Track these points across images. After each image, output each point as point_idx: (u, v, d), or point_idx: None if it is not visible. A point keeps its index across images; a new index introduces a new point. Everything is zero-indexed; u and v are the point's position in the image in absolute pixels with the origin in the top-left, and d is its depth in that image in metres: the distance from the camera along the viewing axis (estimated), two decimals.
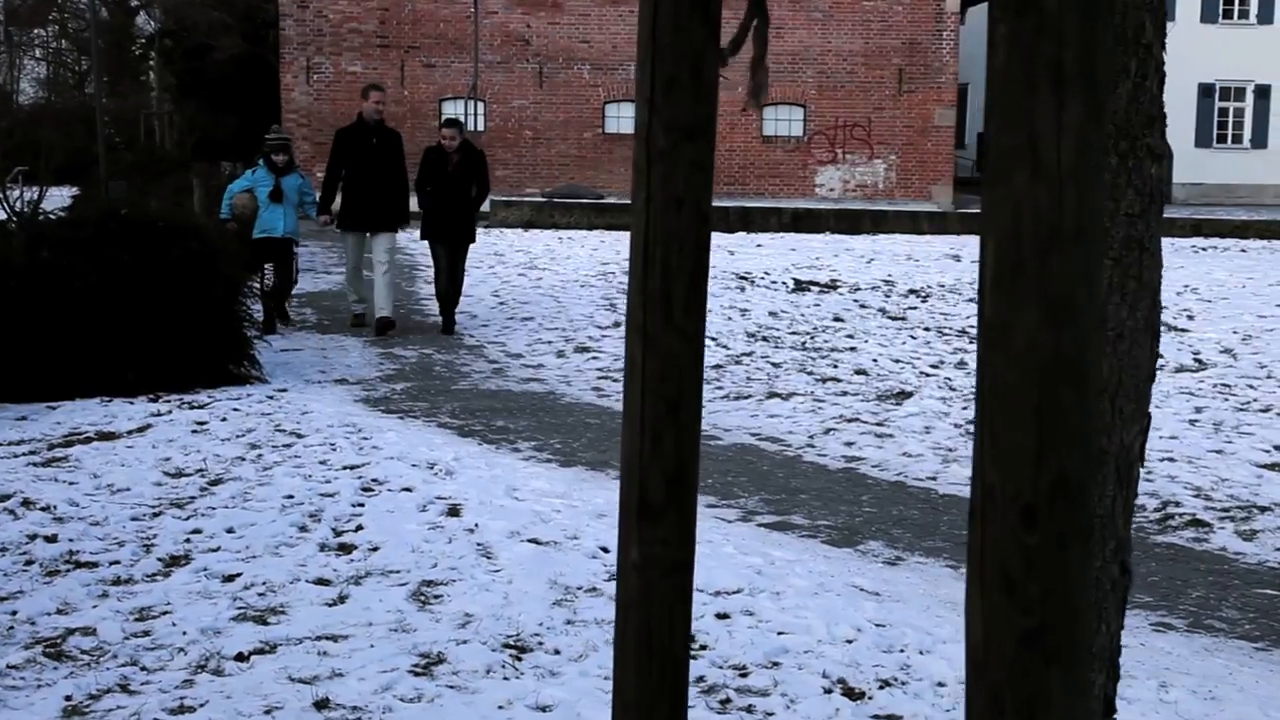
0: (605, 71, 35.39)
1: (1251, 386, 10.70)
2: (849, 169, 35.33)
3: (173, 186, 22.81)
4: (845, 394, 10.37)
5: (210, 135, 35.72)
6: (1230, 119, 45.40)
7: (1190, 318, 14.58)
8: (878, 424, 9.30)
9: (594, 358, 11.84)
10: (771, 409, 9.85)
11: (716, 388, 10.60)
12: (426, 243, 13.69)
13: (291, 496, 7.16)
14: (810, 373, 11.25)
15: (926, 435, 8.96)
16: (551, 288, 16.81)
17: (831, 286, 17.21)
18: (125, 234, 10.09)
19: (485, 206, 13.97)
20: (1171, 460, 8.34)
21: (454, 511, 6.89)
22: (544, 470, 7.98)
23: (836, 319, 14.41)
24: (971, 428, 9.15)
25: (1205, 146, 45.14)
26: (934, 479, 7.93)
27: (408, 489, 7.33)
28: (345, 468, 7.80)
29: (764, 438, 9.00)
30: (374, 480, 7.51)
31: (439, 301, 13.67)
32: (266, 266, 13.09)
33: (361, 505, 6.98)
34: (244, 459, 8.02)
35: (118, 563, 5.93)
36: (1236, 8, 44.98)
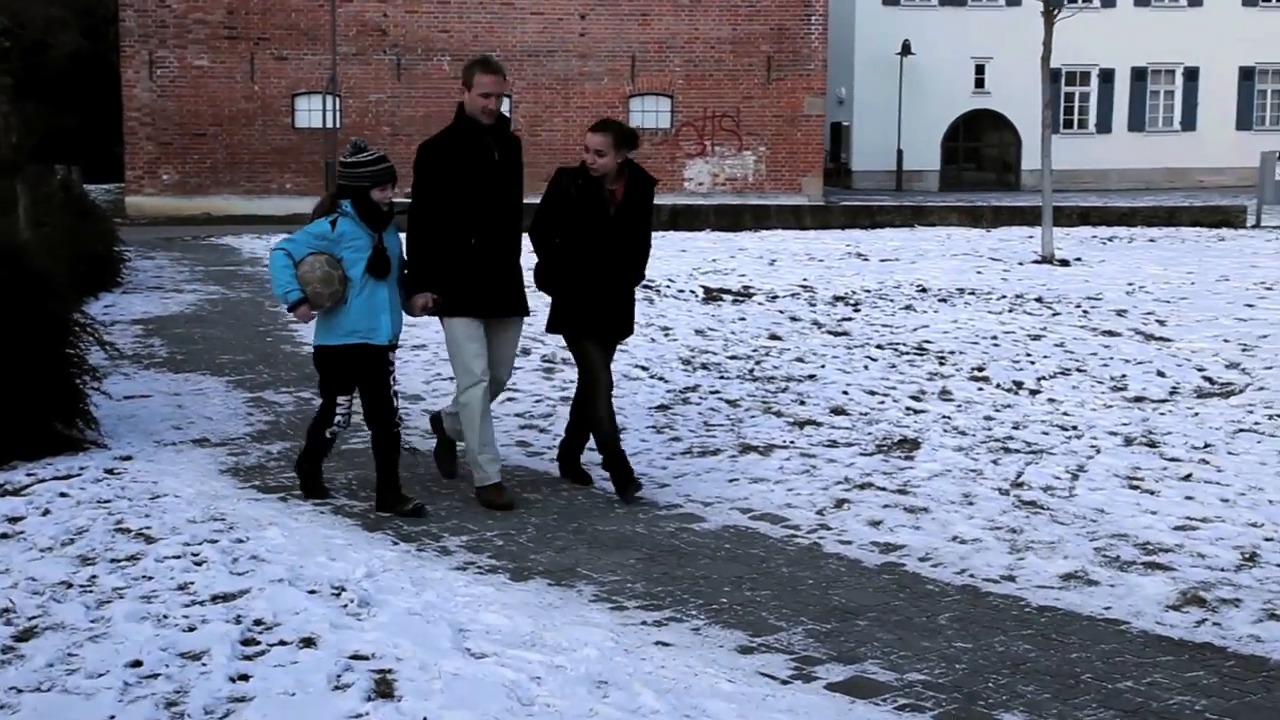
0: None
1: None
2: (718, 161, 33.24)
3: None
4: (835, 444, 8.13)
5: (49, 137, 32.26)
6: (1076, 104, 44.55)
7: (1161, 323, 12.69)
8: (900, 490, 7.09)
9: (511, 399, 9.45)
10: (752, 469, 7.58)
11: (671, 438, 8.30)
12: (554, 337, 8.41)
13: (139, 664, 4.71)
14: (779, 413, 8.99)
15: (969, 506, 6.76)
16: None
17: (746, 295, 15.02)
18: None
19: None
20: None
21: (384, 689, 4.51)
22: (492, 590, 5.59)
23: (773, 337, 12.19)
24: (1021, 493, 6.88)
25: (1054, 131, 44.21)
26: (1013, 578, 5.74)
27: (309, 641, 4.92)
28: (216, 599, 5.36)
29: (759, 515, 6.73)
30: (259, 624, 5.08)
31: (603, 446, 6.98)
32: (341, 401, 6.78)
33: (245, 679, 4.57)
34: (70, 585, 5.54)
35: None
36: None
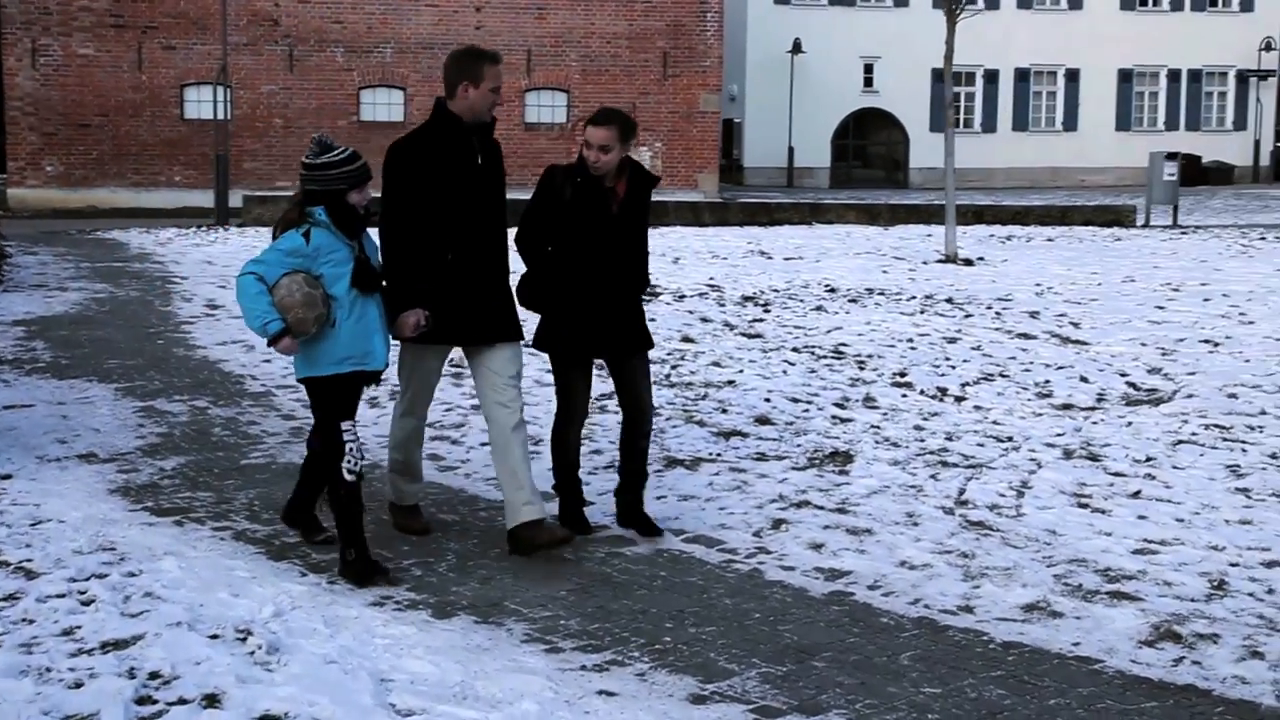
0: (360, 55, 31.85)
1: (1252, 428, 8.46)
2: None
3: None
4: (764, 456, 7.66)
5: None
6: (962, 104, 44.80)
7: (1076, 325, 12.44)
8: (838, 509, 6.63)
9: None
10: (680, 485, 7.07)
11: (590, 450, 7.75)
12: (539, 356, 7.31)
13: None
14: (701, 423, 8.50)
15: (914, 527, 6.33)
16: None
17: (653, 294, 14.51)
18: None
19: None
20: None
21: None
22: (414, 630, 5.01)
23: (686, 339, 11.70)
24: (967, 512, 6.30)
25: (939, 130, 44.44)
26: (970, 609, 5.30)
27: (212, 699, 4.32)
28: (106, 646, 4.73)
29: (693, 538, 6.22)
30: (155, 678, 4.46)
31: (561, 471, 6.29)
32: (347, 427, 5.57)
33: None
34: None
35: None
36: None
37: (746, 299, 14.32)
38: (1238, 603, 5.36)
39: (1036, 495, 6.85)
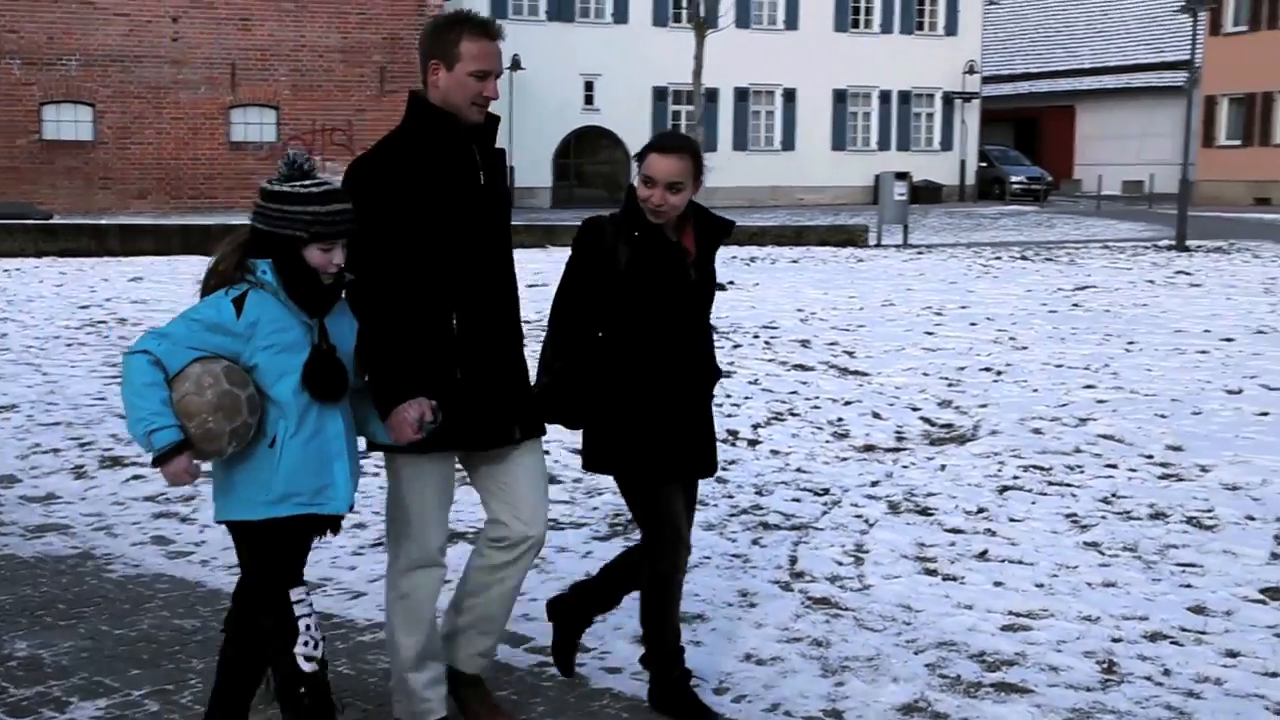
0: (40, 67, 29.38)
1: (1071, 468, 7.98)
2: (329, 178, 31.10)
3: None
4: (557, 524, 6.71)
5: None
6: (683, 123, 45.01)
7: (850, 354, 11.94)
8: None
9: (137, 475, 7.55)
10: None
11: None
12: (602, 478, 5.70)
13: None
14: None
15: (750, 609, 5.48)
16: (23, 350, 11.94)
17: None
18: None
19: None
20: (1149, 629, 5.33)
21: None
22: None
23: None
24: (806, 587, 5.38)
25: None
26: (839, 714, 4.48)
27: None
28: None
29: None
30: None
31: (658, 640, 4.47)
32: (299, 595, 3.73)
33: None
34: None
35: None
36: (761, 13, 44.63)
37: None
38: (1137, 690, 4.72)
39: (877, 561, 6.12)
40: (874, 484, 7.52)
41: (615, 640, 5.16)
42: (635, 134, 42.96)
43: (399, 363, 3.86)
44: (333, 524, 3.81)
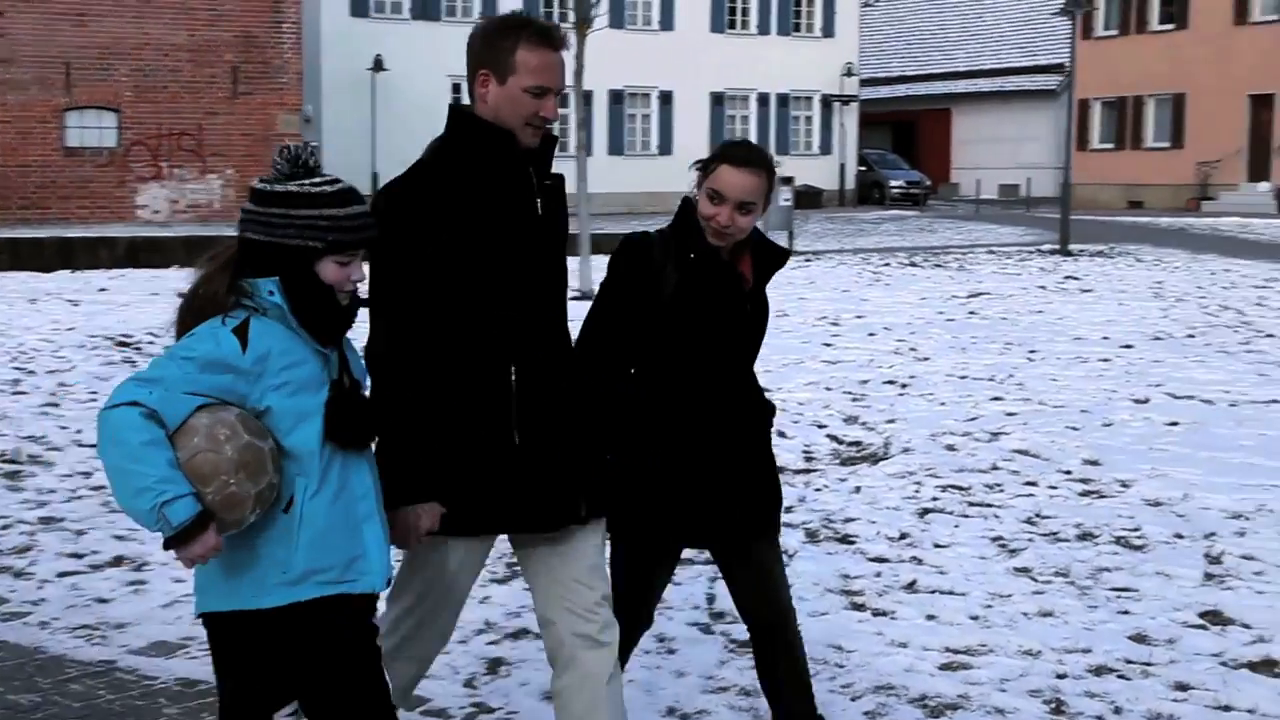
0: None
1: (991, 487, 7.81)
2: (178, 186, 30.19)
3: None
4: None
5: None
6: (556, 126, 44.63)
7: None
8: None
9: None
10: None
11: None
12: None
13: None
14: None
15: (669, 655, 5.18)
16: None
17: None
18: None
19: None
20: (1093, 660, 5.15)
21: None
22: None
23: None
24: (726, 628, 5.15)
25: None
26: None
27: None
28: None
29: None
30: None
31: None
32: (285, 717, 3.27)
33: None
34: None
35: None
36: (636, 13, 44.36)
37: None
38: None
39: (800, 596, 5.82)
40: (788, 509, 7.28)
41: (521, 697, 4.83)
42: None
43: (432, 437, 3.34)
44: (366, 604, 3.12)
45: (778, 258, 3.94)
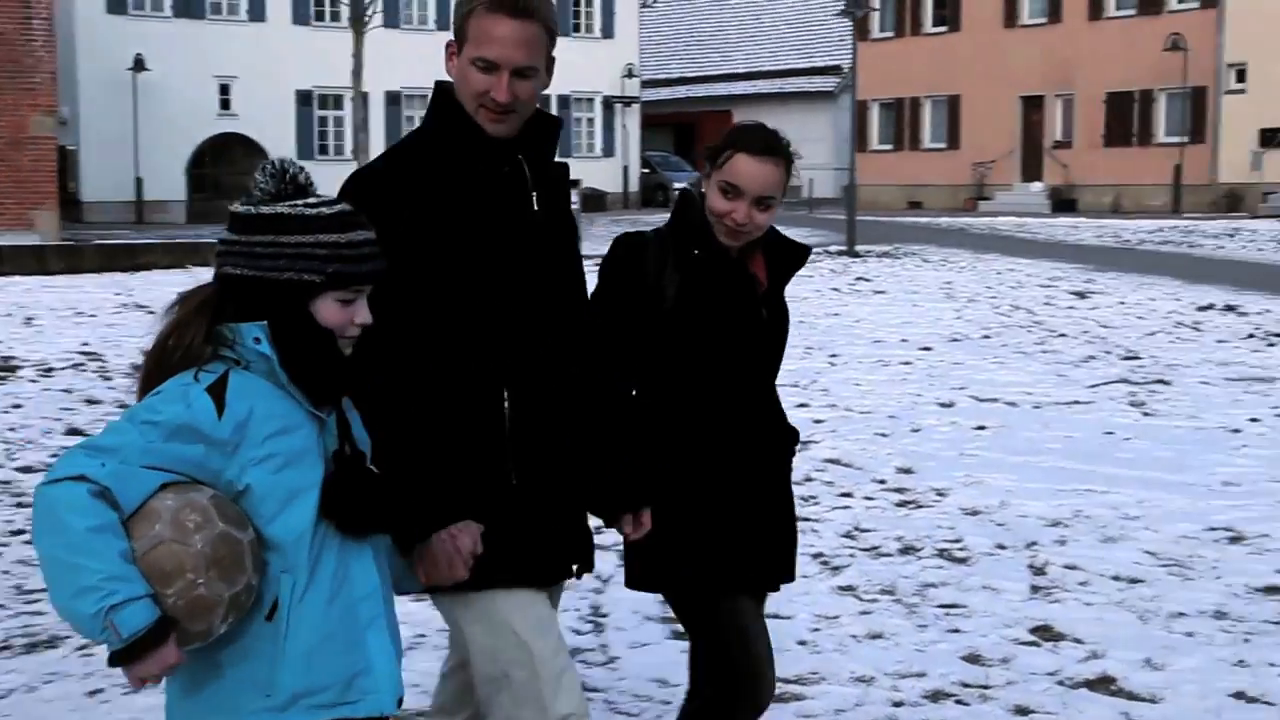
0: None
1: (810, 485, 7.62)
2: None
3: None
4: None
5: None
6: (330, 128, 43.65)
7: None
8: None
9: None
10: None
11: None
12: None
13: None
14: None
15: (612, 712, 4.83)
16: None
17: (8, 369, 12.04)
18: None
19: None
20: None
21: None
22: None
23: (72, 431, 9.50)
24: None
25: (309, 159, 43.14)
26: None
27: None
28: None
29: None
30: None
31: None
32: None
33: None
34: None
35: None
36: (411, 13, 43.37)
37: (138, 368, 12.19)
38: None
39: (619, 626, 5.56)
40: (598, 530, 6.98)
41: None
42: (279, 141, 41.46)
43: (429, 468, 2.80)
44: None
45: (797, 256, 3.49)
